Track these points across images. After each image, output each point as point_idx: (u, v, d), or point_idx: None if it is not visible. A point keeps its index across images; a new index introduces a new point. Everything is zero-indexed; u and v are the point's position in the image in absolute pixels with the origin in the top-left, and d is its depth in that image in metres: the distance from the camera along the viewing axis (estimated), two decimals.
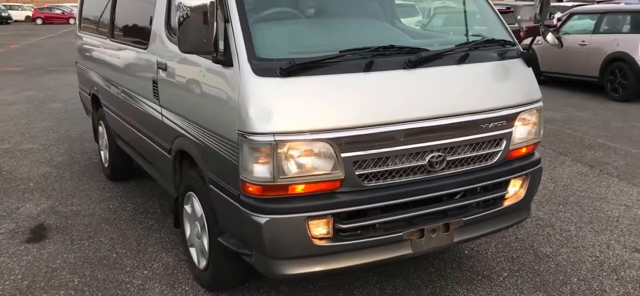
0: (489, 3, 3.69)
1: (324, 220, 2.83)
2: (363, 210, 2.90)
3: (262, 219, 2.77)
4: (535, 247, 4.16)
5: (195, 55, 3.17)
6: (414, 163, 2.98)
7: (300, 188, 2.80)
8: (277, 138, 2.71)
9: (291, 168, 2.75)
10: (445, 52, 3.16)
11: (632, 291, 3.59)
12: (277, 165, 2.73)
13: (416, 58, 3.02)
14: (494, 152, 3.24)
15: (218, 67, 2.98)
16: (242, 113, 2.76)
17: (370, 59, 2.92)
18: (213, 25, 2.81)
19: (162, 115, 3.81)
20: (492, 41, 3.40)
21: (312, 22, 3.45)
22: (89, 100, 6.15)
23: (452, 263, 3.92)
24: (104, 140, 5.86)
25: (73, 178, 6.01)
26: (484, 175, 3.22)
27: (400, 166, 2.95)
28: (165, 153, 3.89)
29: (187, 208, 3.70)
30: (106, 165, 5.88)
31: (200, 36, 2.81)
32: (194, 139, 3.33)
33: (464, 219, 3.17)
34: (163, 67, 3.68)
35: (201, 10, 2.76)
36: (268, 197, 2.79)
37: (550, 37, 3.49)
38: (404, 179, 2.98)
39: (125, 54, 4.56)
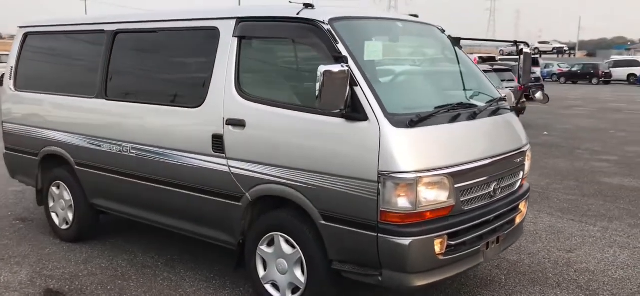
0: (475, 65, 4.80)
1: (441, 239, 3.59)
2: (459, 230, 3.72)
3: (406, 241, 3.44)
4: (503, 257, 5.31)
5: (304, 113, 3.74)
6: (485, 191, 3.91)
7: (428, 215, 3.54)
8: (417, 175, 3.43)
9: (424, 198, 3.48)
10: (486, 107, 4.19)
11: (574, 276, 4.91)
12: (416, 196, 3.44)
13: (477, 111, 3.99)
14: (518, 180, 4.32)
15: (340, 121, 3.59)
16: (386, 157, 3.42)
17: (456, 112, 3.82)
18: (346, 89, 3.45)
19: (230, 166, 4.17)
20: (499, 99, 4.50)
21: (404, 84, 4.18)
22: (32, 162, 5.89)
23: (463, 276, 4.85)
24: (62, 201, 5.70)
25: (20, 244, 5.70)
26: (514, 198, 4.26)
27: (479, 193, 3.86)
28: (230, 202, 4.22)
29: (265, 248, 4.11)
30: (67, 226, 5.71)
31: (337, 97, 3.42)
32: (297, 184, 3.81)
33: (505, 233, 4.16)
34: (237, 123, 4.08)
35: (337, 77, 3.38)
36: (407, 223, 3.48)
37: (539, 94, 4.70)
38: (480, 203, 3.88)
39: (146, 113, 4.72)
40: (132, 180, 4.92)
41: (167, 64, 4.82)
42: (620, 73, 42.85)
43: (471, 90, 4.43)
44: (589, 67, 44.98)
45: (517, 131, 4.44)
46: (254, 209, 4.20)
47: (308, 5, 3.93)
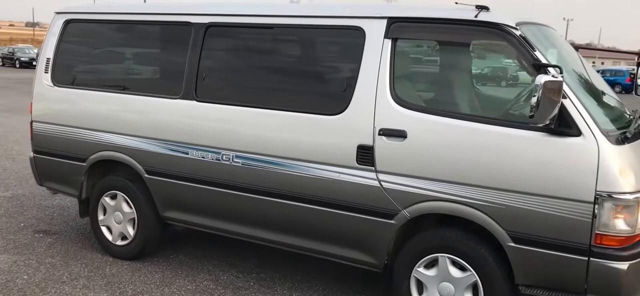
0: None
1: None
2: None
3: (624, 265, 3.23)
4: None
5: (489, 125, 3.45)
6: None
7: (639, 236, 3.35)
8: (638, 195, 3.23)
9: None
10: None
11: None
12: (637, 218, 3.24)
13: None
14: None
15: (539, 135, 3.32)
16: (606, 177, 3.19)
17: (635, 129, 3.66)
18: (560, 101, 3.19)
19: (381, 181, 3.79)
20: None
21: (591, 96, 3.89)
22: (75, 169, 5.14)
23: None
24: (119, 213, 5.02)
25: (69, 263, 4.97)
26: None
27: None
28: (378, 219, 3.83)
29: (424, 270, 3.77)
30: (124, 242, 5.04)
31: (551, 110, 3.16)
32: (477, 202, 3.50)
33: None
34: (395, 134, 3.70)
35: (555, 88, 3.12)
36: (624, 246, 3.27)
37: None
38: None
39: (261, 119, 4.19)
40: (233, 192, 4.38)
41: (289, 65, 4.32)
42: None
43: (619, 101, 4.23)
44: None
45: None
46: (404, 228, 3.84)
47: (483, 7, 3.63)
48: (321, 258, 4.23)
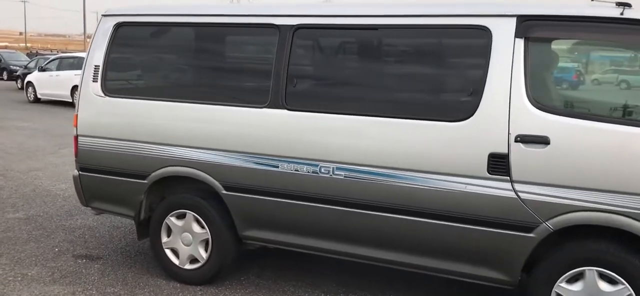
0: None
1: None
2: None
3: None
4: None
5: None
6: None
7: None
8: None
9: None
10: None
11: None
12: None
13: None
14: None
15: None
16: None
17: None
18: None
19: (518, 191, 3.53)
20: None
21: None
22: (134, 187, 4.66)
23: None
24: (188, 235, 4.57)
25: (134, 292, 4.50)
26: None
27: None
28: (515, 233, 3.57)
29: (566, 285, 3.53)
30: (194, 265, 4.59)
31: None
32: (632, 210, 3.29)
33: None
34: (535, 140, 3.45)
35: None
36: None
37: None
38: None
39: (369, 127, 3.86)
40: (334, 207, 4.02)
41: (402, 70, 4.00)
42: None
43: None
44: None
45: None
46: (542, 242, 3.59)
47: (625, 4, 3.42)
48: (401, 271, 3.95)
